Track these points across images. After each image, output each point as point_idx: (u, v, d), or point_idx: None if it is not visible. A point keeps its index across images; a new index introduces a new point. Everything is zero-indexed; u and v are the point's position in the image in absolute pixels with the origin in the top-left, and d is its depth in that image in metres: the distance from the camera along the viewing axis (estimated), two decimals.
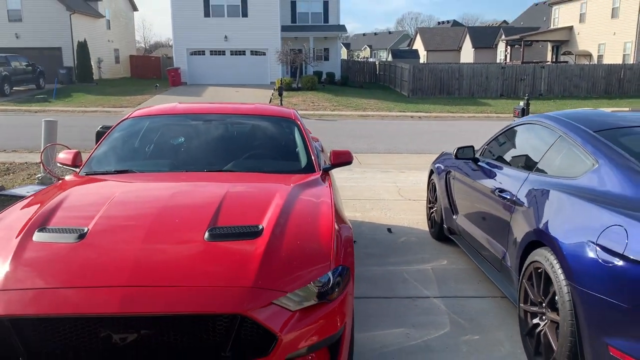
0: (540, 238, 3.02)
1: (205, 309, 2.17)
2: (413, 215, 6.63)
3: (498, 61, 44.94)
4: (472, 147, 4.68)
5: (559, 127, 3.49)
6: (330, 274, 2.49)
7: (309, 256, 2.53)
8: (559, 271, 2.74)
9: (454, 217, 5.02)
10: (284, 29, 32.47)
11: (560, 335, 2.72)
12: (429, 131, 16.39)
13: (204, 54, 31.65)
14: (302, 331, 2.30)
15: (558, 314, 2.76)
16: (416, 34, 63.43)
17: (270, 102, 23.80)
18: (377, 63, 39.96)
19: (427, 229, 6.01)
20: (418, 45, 59.55)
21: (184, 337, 2.22)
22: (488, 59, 47.49)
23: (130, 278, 2.25)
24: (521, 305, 3.23)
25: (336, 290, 2.49)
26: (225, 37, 31.13)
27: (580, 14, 37.74)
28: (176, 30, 30.92)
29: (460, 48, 54.87)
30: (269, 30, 31.15)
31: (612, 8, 34.21)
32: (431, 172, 5.92)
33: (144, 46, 70.98)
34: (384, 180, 8.99)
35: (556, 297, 2.76)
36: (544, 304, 2.96)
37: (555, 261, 2.80)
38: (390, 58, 49.17)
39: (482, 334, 3.54)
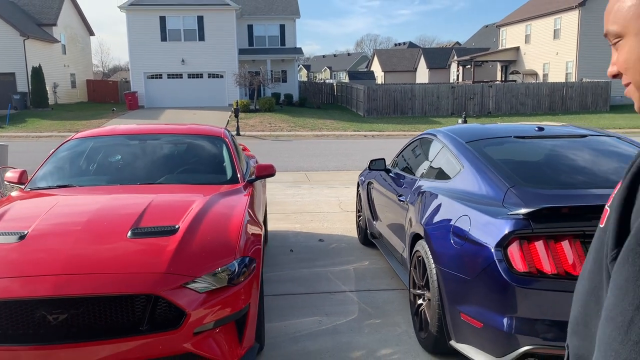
0: (420, 231, 3.62)
1: (125, 290, 2.66)
2: (347, 225, 7.20)
3: (451, 81, 46.66)
4: (383, 159, 5.30)
5: (443, 139, 4.12)
6: (236, 263, 3.01)
7: (218, 249, 3.05)
8: (430, 256, 3.33)
9: (374, 222, 5.60)
10: (242, 51, 33.13)
11: (430, 309, 3.30)
12: (380, 149, 17.14)
13: (162, 78, 31.96)
14: (209, 309, 2.80)
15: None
16: (374, 55, 65.16)
17: (227, 124, 24.27)
18: (335, 84, 40.99)
19: (356, 235, 6.58)
20: (376, 66, 61.19)
21: (108, 315, 2.69)
22: (442, 78, 49.24)
23: (62, 268, 2.71)
24: (410, 290, 3.81)
25: (241, 276, 3.00)
26: (183, 60, 31.56)
27: (526, 35, 39.77)
28: (133, 54, 31.19)
29: (416, 69, 56.68)
30: (226, 53, 31.75)
31: (554, 29, 36.23)
32: (358, 184, 6.52)
33: (102, 70, 70.52)
34: (328, 195, 9.55)
35: (429, 279, 3.35)
36: (423, 286, 3.54)
37: (427, 249, 3.39)
38: (347, 79, 50.43)
39: (384, 318, 4.10)
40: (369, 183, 5.82)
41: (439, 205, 3.47)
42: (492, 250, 2.73)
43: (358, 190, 6.52)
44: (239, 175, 4.41)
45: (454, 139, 3.95)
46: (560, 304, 2.56)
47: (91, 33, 44.19)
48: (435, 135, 4.38)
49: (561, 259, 2.59)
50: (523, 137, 3.85)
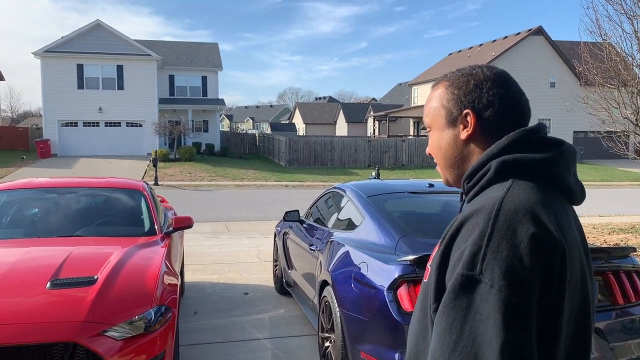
0: (327, 278, 3.97)
1: (44, 338, 2.78)
2: (265, 275, 7.43)
3: (368, 134, 48.70)
4: (297, 211, 5.68)
5: (349, 193, 4.57)
6: (152, 311, 3.19)
7: (135, 298, 3.23)
8: (335, 301, 3.67)
9: (289, 271, 5.90)
10: (162, 101, 33.04)
11: (335, 349, 3.61)
12: (300, 199, 17.56)
13: (77, 125, 31.09)
14: (126, 356, 2.96)
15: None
16: (295, 108, 66.91)
17: (145, 174, 23.89)
18: (257, 135, 41.58)
19: (273, 284, 6.83)
20: (297, 118, 62.76)
21: None
22: (360, 132, 51.29)
23: None
24: (319, 334, 4.11)
25: (157, 324, 3.19)
26: (100, 108, 30.96)
27: None
28: (47, 101, 30.24)
29: (336, 122, 58.72)
30: (146, 102, 31.53)
31: None
32: (275, 234, 6.83)
33: (10, 115, 67.12)
34: (247, 245, 9.74)
35: (334, 322, 3.67)
36: (330, 329, 3.86)
37: (333, 294, 3.74)
38: (270, 130, 51.35)
39: None
40: (285, 233, 6.15)
41: (344, 254, 3.85)
42: (385, 292, 3.12)
43: (275, 240, 6.81)
44: (156, 228, 4.60)
45: (358, 194, 4.40)
46: None
47: (1, 78, 42.35)
48: (343, 190, 4.82)
49: None
50: (416, 193, 4.37)
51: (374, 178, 14.47)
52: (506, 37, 39.66)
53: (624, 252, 3.34)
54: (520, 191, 1.10)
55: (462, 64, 39.95)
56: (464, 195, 1.28)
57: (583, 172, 28.89)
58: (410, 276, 3.06)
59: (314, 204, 5.69)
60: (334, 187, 5.17)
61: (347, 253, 3.82)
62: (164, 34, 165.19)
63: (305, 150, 30.74)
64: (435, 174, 27.36)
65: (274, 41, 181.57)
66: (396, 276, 3.09)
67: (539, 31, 37.28)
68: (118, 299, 3.15)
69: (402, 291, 3.07)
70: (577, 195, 1.20)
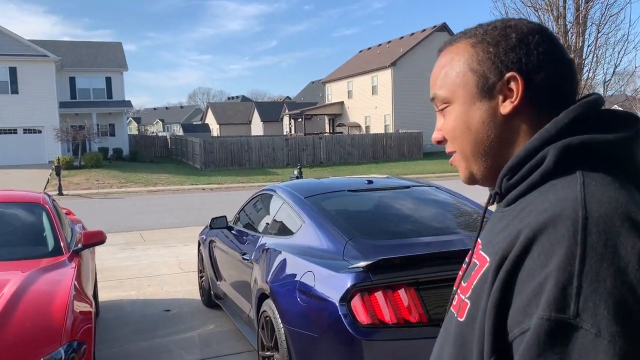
0: (266, 290, 3.57)
1: None
2: (189, 287, 6.87)
3: (284, 133, 48.42)
4: (225, 217, 5.21)
5: (283, 195, 4.19)
6: (62, 350, 2.65)
7: (39, 336, 2.67)
8: (277, 316, 3.29)
9: (218, 283, 5.42)
10: (63, 105, 30.83)
11: None
12: (219, 202, 16.90)
13: None
14: None
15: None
16: (208, 108, 65.19)
17: (47, 183, 22.08)
18: (168, 137, 39.95)
19: (199, 297, 6.30)
20: (210, 119, 61.17)
21: None
22: (276, 131, 50.88)
23: None
24: (260, 352, 3.71)
25: None
26: None
27: (348, 90, 43.14)
28: None
29: (251, 121, 57.86)
30: (44, 106, 29.26)
31: (372, 86, 39.88)
32: (199, 243, 6.30)
33: None
34: (166, 255, 9.07)
35: (277, 340, 3.29)
36: (272, 347, 3.47)
37: (275, 308, 3.35)
38: (182, 132, 49.57)
39: None
40: (211, 241, 5.66)
41: (284, 262, 3.48)
42: (337, 304, 2.78)
43: (199, 250, 6.29)
44: (62, 246, 3.97)
45: (293, 195, 4.03)
46: (401, 352, 2.68)
47: None
48: (275, 191, 4.43)
49: (399, 308, 2.72)
50: (355, 191, 4.07)
51: (296, 177, 14.15)
52: (413, 33, 40.86)
53: None
54: (601, 188, 0.79)
55: (372, 61, 40.84)
56: (496, 196, 0.95)
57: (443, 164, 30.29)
58: (365, 284, 2.75)
59: (243, 208, 5.26)
60: (265, 189, 4.77)
61: (288, 261, 3.44)
62: (61, 35, 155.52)
63: (221, 151, 29.88)
64: (361, 170, 27.57)
65: (181, 40, 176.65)
66: (349, 286, 2.76)
67: (443, 27, 38.74)
68: (18, 339, 2.58)
69: (357, 302, 2.74)
70: None
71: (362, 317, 2.72)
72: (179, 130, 61.66)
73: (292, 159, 30.95)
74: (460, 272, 1.08)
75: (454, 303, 0.96)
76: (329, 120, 45.65)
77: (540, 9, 10.03)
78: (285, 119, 50.28)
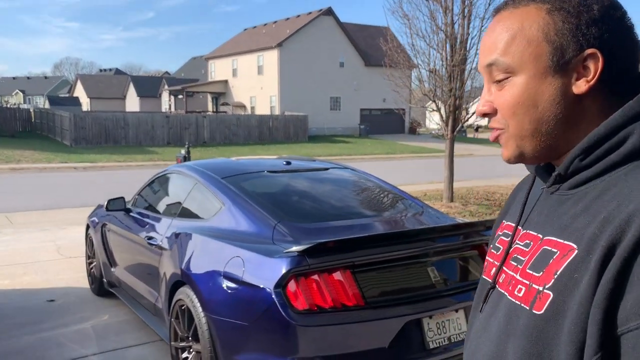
0: (182, 278, 3.32)
1: None
2: (74, 274, 6.27)
3: (163, 110, 46.30)
4: (123, 198, 4.79)
5: (195, 175, 3.92)
6: None
7: None
8: (198, 304, 3.07)
9: (112, 269, 4.99)
10: None
11: None
12: (95, 182, 15.72)
13: None
14: None
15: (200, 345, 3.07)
16: (77, 80, 60.31)
17: None
18: (32, 110, 36.33)
19: (88, 286, 5.78)
20: (80, 92, 56.64)
21: None
22: (154, 107, 48.47)
23: None
24: (172, 343, 3.46)
25: None
26: None
27: (233, 69, 42.25)
28: None
29: (125, 96, 54.56)
30: None
31: (258, 66, 39.42)
32: (88, 227, 5.76)
33: None
34: (42, 240, 8.23)
35: (198, 329, 3.08)
36: (189, 338, 3.25)
37: (194, 296, 3.12)
38: (48, 105, 45.31)
39: None
40: (104, 225, 5.18)
41: (203, 247, 3.25)
42: (271, 291, 2.65)
43: (88, 234, 5.75)
44: None
45: (209, 175, 3.79)
46: (340, 337, 2.62)
47: None
48: (184, 171, 4.13)
49: (336, 292, 2.66)
50: (275, 172, 3.92)
51: (184, 157, 13.55)
52: (299, 15, 40.92)
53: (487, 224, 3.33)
54: None
55: (258, 40, 40.36)
56: (557, 178, 0.88)
57: (370, 146, 31.55)
58: (301, 269, 2.64)
59: (143, 189, 4.86)
60: (172, 168, 4.43)
61: (209, 246, 3.22)
62: None
63: (94, 127, 27.82)
64: (247, 151, 27.07)
65: (45, 4, 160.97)
66: (284, 271, 2.63)
67: (329, 12, 39.25)
68: None
69: (293, 287, 2.63)
70: None
71: (298, 303, 2.61)
72: (44, 103, 56.30)
73: (173, 137, 29.68)
74: (491, 259, 1.02)
75: (518, 293, 0.86)
76: (213, 98, 44.43)
77: None
78: (165, 95, 48.11)
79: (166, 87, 47.23)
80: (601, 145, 0.81)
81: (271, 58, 37.97)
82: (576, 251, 0.78)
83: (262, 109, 38.59)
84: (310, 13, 40.00)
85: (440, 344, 2.81)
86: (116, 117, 28.89)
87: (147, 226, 4.22)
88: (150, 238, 4.01)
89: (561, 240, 0.81)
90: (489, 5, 10.22)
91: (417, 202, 3.89)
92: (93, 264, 5.54)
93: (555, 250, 0.82)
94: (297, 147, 30.00)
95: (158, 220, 4.12)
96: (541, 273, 0.82)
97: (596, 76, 0.82)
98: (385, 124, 40.89)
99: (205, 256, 3.20)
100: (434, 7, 10.41)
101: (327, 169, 4.17)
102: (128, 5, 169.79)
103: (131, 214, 4.67)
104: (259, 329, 2.72)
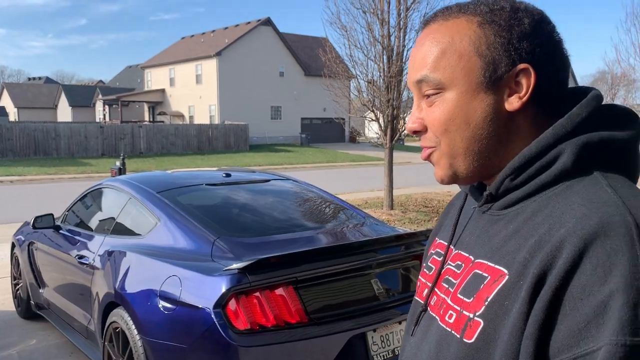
0: (116, 298, 3.15)
1: None
2: None
3: (97, 120, 44.65)
4: (52, 214, 4.53)
5: (129, 189, 3.75)
6: None
7: None
8: (133, 327, 2.91)
9: (41, 291, 4.69)
10: None
11: None
12: (23, 196, 14.87)
13: None
14: None
15: None
16: (2, 89, 57.09)
17: None
18: None
19: (14, 308, 5.41)
20: (6, 101, 53.63)
21: None
22: (87, 117, 46.65)
23: None
24: None
25: None
26: None
27: (170, 78, 41.35)
28: None
29: (57, 106, 52.19)
30: None
31: (197, 75, 38.78)
32: (13, 245, 5.41)
33: None
34: None
35: (133, 353, 2.92)
36: None
37: (129, 318, 2.96)
38: None
39: None
40: (31, 243, 4.87)
41: (139, 266, 3.09)
42: (211, 311, 2.54)
43: (13, 253, 5.39)
44: None
45: (143, 189, 3.62)
46: (283, 356, 2.55)
47: None
48: (118, 186, 3.94)
49: (278, 310, 2.59)
50: (214, 185, 3.81)
51: (119, 169, 13.05)
52: (238, 25, 40.65)
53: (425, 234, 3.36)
54: (628, 190, 0.73)
55: (196, 49, 39.76)
56: (488, 197, 0.84)
57: (312, 155, 31.64)
58: (242, 287, 2.55)
59: (75, 204, 4.60)
60: (105, 182, 4.22)
61: (144, 265, 3.07)
62: None
63: (22, 138, 26.44)
64: (186, 162, 26.43)
65: None
66: (224, 290, 2.53)
67: (268, 22, 39.22)
68: None
69: (233, 306, 2.53)
70: None
71: (239, 323, 2.52)
72: None
73: (107, 148, 28.64)
74: (424, 279, 0.99)
75: (449, 320, 0.83)
76: (149, 108, 43.26)
77: (368, 11, 10.63)
78: (99, 105, 46.44)
79: (100, 96, 45.57)
80: (532, 164, 0.79)
81: (210, 67, 37.46)
82: (507, 277, 0.75)
83: (201, 119, 37.94)
84: (249, 23, 39.81)
85: (385, 357, 2.79)
86: (47, 127, 27.57)
87: (78, 244, 4.00)
88: (81, 257, 3.79)
89: (492, 264, 0.78)
90: (424, 17, 10.49)
91: (358, 213, 3.88)
92: (19, 285, 5.20)
93: (486, 275, 0.78)
94: (238, 156, 29.66)
95: (90, 237, 3.91)
96: (472, 299, 0.79)
97: (529, 92, 0.79)
98: (326, 133, 41.20)
99: (140, 275, 3.05)
100: (371, 19, 10.59)
101: (268, 180, 4.10)
102: (59, 12, 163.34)
103: (61, 231, 4.41)
104: (198, 352, 2.61)
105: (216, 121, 36.42)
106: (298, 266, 2.68)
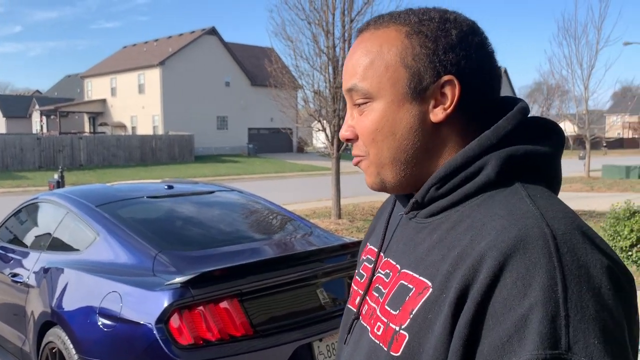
0: (52, 317, 3.02)
1: None
2: None
3: (34, 131, 42.80)
4: None
5: (66, 203, 3.61)
6: None
7: None
8: (70, 347, 2.80)
9: None
10: None
11: None
12: None
13: None
14: None
15: None
16: None
17: None
18: None
19: None
20: None
21: None
22: (23, 129, 44.65)
23: None
24: None
25: None
26: None
27: (112, 87, 40.22)
28: None
29: None
30: None
31: (139, 84, 37.90)
32: None
33: None
34: None
35: None
36: None
37: (66, 338, 2.85)
38: None
39: None
40: None
41: (76, 283, 2.98)
42: (153, 327, 2.48)
43: None
44: None
45: (81, 203, 3.50)
46: None
47: None
48: (54, 199, 3.79)
49: (223, 323, 2.55)
50: (156, 197, 3.72)
51: (57, 182, 12.54)
52: (182, 34, 40.07)
53: None
54: (547, 201, 0.75)
55: (139, 58, 38.91)
56: (414, 205, 0.85)
57: (260, 165, 31.50)
58: (185, 301, 2.50)
59: (7, 220, 4.38)
60: (40, 197, 4.04)
61: (82, 281, 2.96)
62: None
63: None
64: (129, 174, 25.65)
65: None
66: (166, 304, 2.47)
67: (213, 31, 38.87)
68: None
69: (176, 321, 2.48)
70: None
71: (182, 338, 2.47)
72: None
73: (45, 160, 27.50)
74: (356, 287, 0.99)
75: (377, 332, 0.83)
76: (90, 118, 41.88)
77: (313, 22, 10.73)
78: (35, 115, 44.59)
79: (37, 106, 43.74)
80: (457, 175, 0.80)
81: (153, 76, 36.70)
82: (431, 289, 0.75)
83: (144, 129, 37.04)
84: (193, 32, 39.32)
85: None
86: None
87: (12, 261, 3.81)
88: (15, 275, 3.61)
89: (417, 276, 0.79)
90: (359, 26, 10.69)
91: (305, 223, 3.89)
92: None
93: (411, 287, 0.79)
94: (183, 167, 29.12)
95: (24, 254, 3.73)
96: (398, 312, 0.79)
97: (453, 104, 0.80)
98: (274, 143, 41.09)
99: (78, 292, 2.94)
100: (316, 30, 10.70)
101: (212, 192, 4.04)
102: None
103: None
104: None
105: (160, 132, 35.65)
106: (243, 278, 2.65)
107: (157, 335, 2.46)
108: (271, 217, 3.88)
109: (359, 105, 0.85)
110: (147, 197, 3.70)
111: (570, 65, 21.53)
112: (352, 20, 10.83)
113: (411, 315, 0.76)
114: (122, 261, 2.96)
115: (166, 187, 3.94)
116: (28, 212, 4.23)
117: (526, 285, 0.65)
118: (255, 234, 3.51)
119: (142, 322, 2.53)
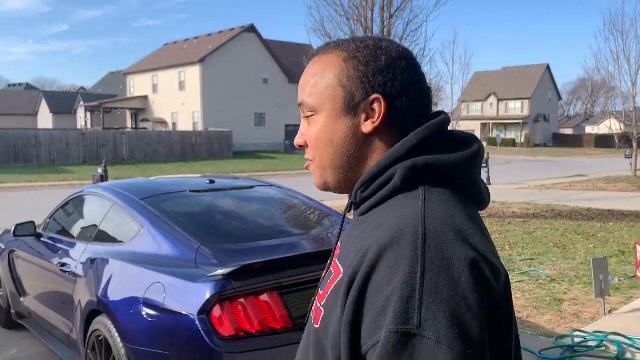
0: (98, 306, 3.13)
1: None
2: None
3: (79, 127, 44.17)
4: (33, 222, 4.48)
5: (111, 197, 3.72)
6: None
7: None
8: (116, 335, 2.89)
9: (21, 299, 4.63)
10: None
11: None
12: (3, 205, 14.64)
13: None
14: None
15: None
16: None
17: None
18: None
19: None
20: None
21: None
22: (69, 124, 46.15)
23: None
24: None
25: None
26: None
27: (153, 84, 41.13)
28: None
29: (37, 113, 51.56)
30: None
31: (180, 81, 38.63)
32: None
33: None
34: None
35: None
36: None
37: (112, 326, 2.94)
38: None
39: None
40: (12, 251, 4.80)
41: (121, 273, 3.07)
42: (195, 317, 2.54)
43: None
44: None
45: (126, 196, 3.60)
46: None
47: None
48: (100, 192, 3.92)
49: (263, 315, 2.59)
50: (198, 191, 3.80)
51: (101, 176, 12.94)
52: (221, 31, 40.61)
53: None
54: (439, 204, 0.88)
55: (179, 56, 39.59)
56: (352, 206, 1.01)
57: (296, 162, 31.64)
58: (227, 293, 2.55)
59: (55, 212, 4.56)
60: (87, 189, 4.18)
61: (127, 272, 3.05)
62: None
63: (1, 146, 26.11)
64: (170, 169, 26.25)
65: None
66: (208, 296, 2.53)
67: (252, 28, 39.25)
68: None
69: (218, 313, 2.53)
70: (486, 200, 1.01)
71: (224, 329, 2.52)
72: None
73: (89, 155, 28.39)
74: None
75: (313, 308, 1.00)
76: (132, 114, 42.95)
77: (351, 18, 10.72)
78: (80, 111, 46.00)
79: (82, 103, 45.12)
80: (374, 181, 0.93)
81: (193, 74, 37.34)
82: (341, 274, 0.89)
83: (185, 125, 37.76)
84: (232, 29, 39.80)
85: None
86: (27, 134, 27.24)
87: (60, 252, 3.96)
88: (63, 265, 3.75)
89: (339, 264, 0.93)
90: (407, 25, 10.61)
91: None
92: (0, 295, 5.12)
93: (333, 272, 0.94)
94: (221, 163, 29.57)
95: (72, 245, 3.87)
96: (322, 292, 0.95)
97: (380, 118, 0.94)
98: None
99: (123, 283, 3.03)
100: (355, 26, 10.67)
101: (252, 187, 4.10)
102: (39, 18, 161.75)
103: (42, 239, 4.36)
104: (182, 358, 2.60)
105: (199, 128, 36.28)
106: (282, 272, 2.69)
107: (199, 326, 2.52)
108: (309, 212, 3.91)
109: (308, 117, 1.01)
110: (190, 191, 3.78)
111: (617, 60, 20.84)
112: (391, 16, 10.77)
113: (327, 295, 0.92)
114: (165, 253, 3.04)
115: (208, 181, 4.02)
116: (75, 205, 4.38)
117: (393, 273, 0.78)
118: (294, 229, 3.54)
119: (184, 313, 2.59)
